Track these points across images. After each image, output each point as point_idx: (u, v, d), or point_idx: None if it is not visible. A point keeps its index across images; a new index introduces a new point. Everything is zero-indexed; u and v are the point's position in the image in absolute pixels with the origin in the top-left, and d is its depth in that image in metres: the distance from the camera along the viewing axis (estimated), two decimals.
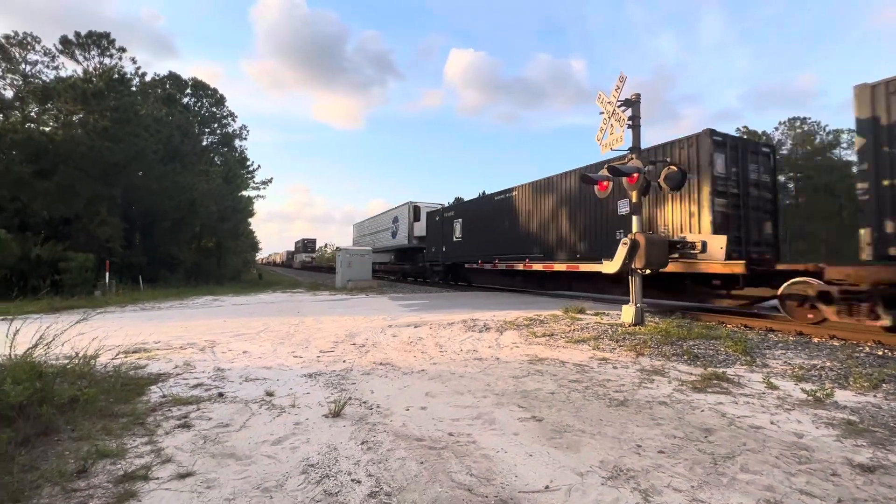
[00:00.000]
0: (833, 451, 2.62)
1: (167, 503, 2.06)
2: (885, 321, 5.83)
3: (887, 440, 2.77)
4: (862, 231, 6.17)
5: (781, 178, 36.27)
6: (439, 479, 2.28)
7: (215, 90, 29.62)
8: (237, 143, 31.57)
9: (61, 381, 3.34)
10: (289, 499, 2.10)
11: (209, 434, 2.87)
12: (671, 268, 7.98)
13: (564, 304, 9.64)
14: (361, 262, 19.63)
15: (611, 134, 7.73)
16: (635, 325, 7.01)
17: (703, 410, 3.33)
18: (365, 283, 18.86)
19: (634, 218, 7.50)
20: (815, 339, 6.03)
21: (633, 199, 7.56)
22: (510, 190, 14.89)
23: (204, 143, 28.79)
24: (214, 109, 29.95)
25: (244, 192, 30.40)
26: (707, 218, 8.27)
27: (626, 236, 7.30)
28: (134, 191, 20.42)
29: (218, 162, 28.21)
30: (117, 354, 4.90)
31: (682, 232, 8.68)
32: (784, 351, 5.38)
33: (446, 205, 22.34)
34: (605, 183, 8.48)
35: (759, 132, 38.93)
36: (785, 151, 38.92)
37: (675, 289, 9.35)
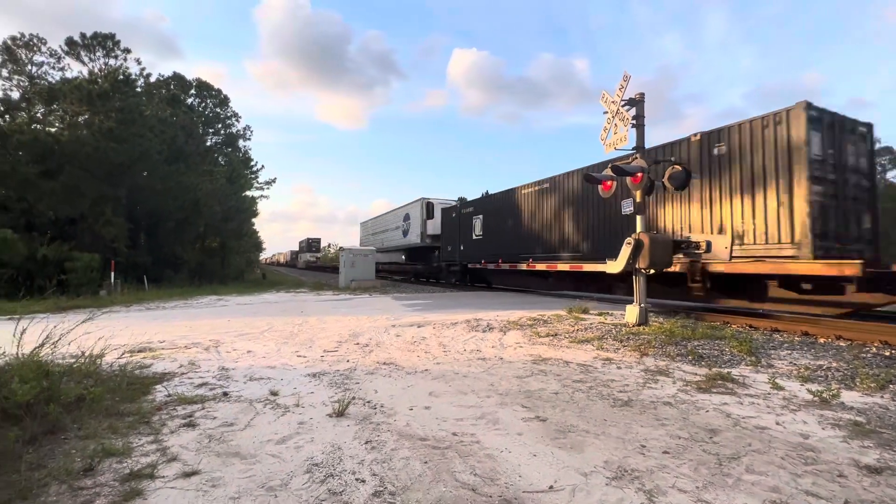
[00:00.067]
0: (839, 452, 2.60)
1: (173, 501, 2.07)
2: None
3: (895, 441, 2.75)
4: None
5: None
6: (443, 478, 2.28)
7: (219, 90, 29.80)
8: (241, 143, 31.73)
9: (68, 380, 3.37)
10: (293, 498, 2.10)
11: (214, 433, 2.89)
12: (750, 268, 7.27)
13: (568, 304, 9.62)
14: (365, 262, 19.65)
15: (615, 133, 7.71)
16: (639, 325, 6.99)
17: (707, 411, 3.31)
18: (368, 282, 18.88)
19: (638, 217, 7.47)
20: (821, 340, 5.99)
21: (637, 199, 7.53)
22: (542, 182, 13.49)
23: (208, 144, 28.94)
24: (218, 110, 30.09)
25: (248, 193, 30.54)
26: (803, 209, 6.90)
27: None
28: (138, 191, 20.54)
29: (222, 162, 28.35)
30: (123, 354, 4.94)
31: (758, 229, 7.47)
32: (790, 351, 5.35)
33: (461, 201, 21.21)
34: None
35: None
36: None
37: (746, 291, 8.03)
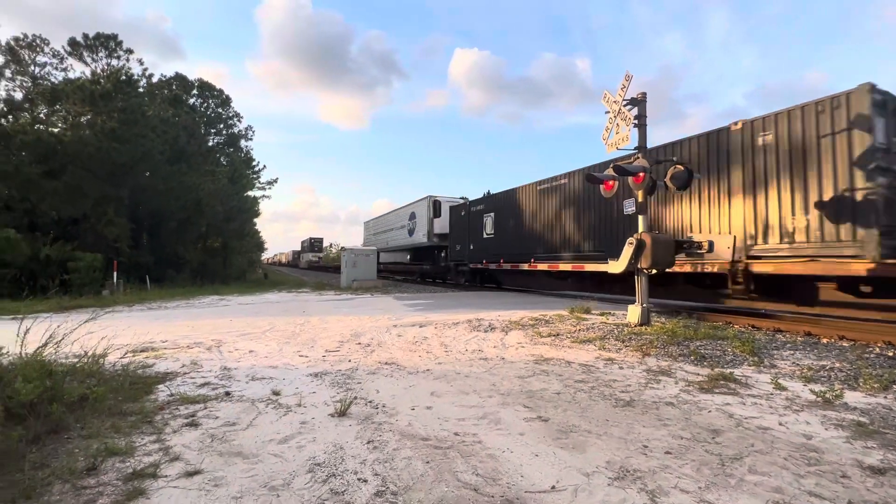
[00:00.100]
0: (843, 452, 2.59)
1: (176, 501, 2.08)
2: None
3: None
4: None
5: None
6: (445, 478, 2.28)
7: (221, 91, 29.86)
8: (243, 143, 31.78)
9: (71, 379, 3.38)
10: (296, 497, 2.11)
11: (216, 433, 2.89)
12: (801, 269, 6.74)
13: (570, 304, 9.61)
14: (366, 262, 19.65)
15: (616, 133, 7.70)
16: (641, 325, 6.98)
17: (710, 411, 3.31)
18: (370, 282, 18.90)
19: (640, 217, 7.46)
20: (824, 340, 5.97)
21: (640, 199, 7.52)
22: (559, 177, 12.66)
23: (210, 144, 29.00)
24: (220, 110, 30.15)
25: (250, 193, 30.61)
26: (867, 203, 6.28)
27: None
28: (141, 191, 20.62)
29: (224, 162, 28.41)
30: (125, 353, 4.95)
31: (811, 225, 6.85)
32: (792, 351, 5.33)
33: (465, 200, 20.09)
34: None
35: None
36: None
37: (793, 294, 7.48)
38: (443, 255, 21.31)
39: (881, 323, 6.45)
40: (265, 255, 70.45)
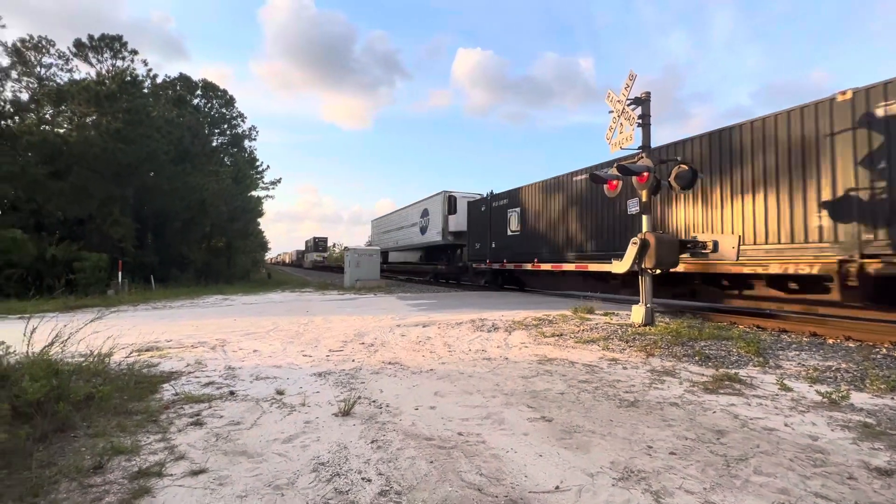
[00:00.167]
0: (849, 453, 2.57)
1: (181, 499, 2.09)
2: None
3: None
4: None
5: None
6: (449, 478, 2.28)
7: (225, 91, 29.97)
8: (246, 143, 31.90)
9: (77, 378, 3.40)
10: (300, 496, 2.11)
11: (221, 432, 2.91)
12: None
13: (573, 304, 9.59)
14: (370, 262, 19.66)
15: (620, 132, 7.68)
16: (645, 325, 6.96)
17: (714, 412, 3.29)
18: (373, 282, 18.92)
19: (644, 217, 7.43)
20: (830, 341, 5.93)
21: (643, 199, 7.49)
22: (600, 166, 10.72)
23: (214, 144, 29.11)
24: (224, 110, 30.26)
25: (253, 193, 30.70)
26: None
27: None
28: (145, 191, 20.73)
29: (228, 162, 28.51)
30: (131, 353, 4.98)
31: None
32: (798, 352, 5.30)
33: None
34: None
35: None
36: None
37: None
38: (458, 253, 20.27)
39: (887, 324, 6.40)
40: (269, 255, 70.69)
